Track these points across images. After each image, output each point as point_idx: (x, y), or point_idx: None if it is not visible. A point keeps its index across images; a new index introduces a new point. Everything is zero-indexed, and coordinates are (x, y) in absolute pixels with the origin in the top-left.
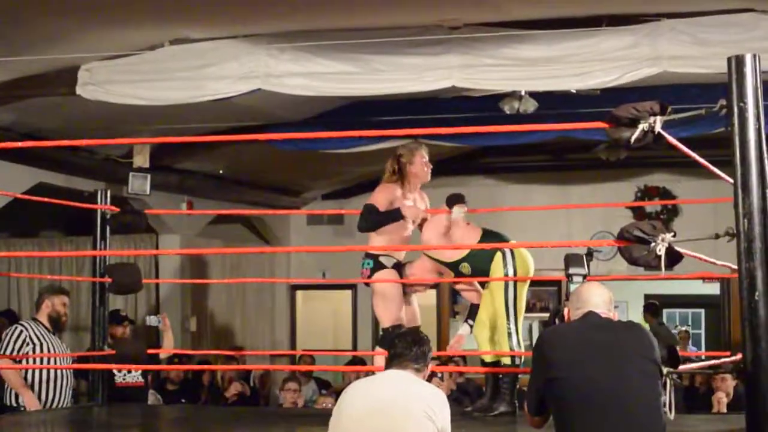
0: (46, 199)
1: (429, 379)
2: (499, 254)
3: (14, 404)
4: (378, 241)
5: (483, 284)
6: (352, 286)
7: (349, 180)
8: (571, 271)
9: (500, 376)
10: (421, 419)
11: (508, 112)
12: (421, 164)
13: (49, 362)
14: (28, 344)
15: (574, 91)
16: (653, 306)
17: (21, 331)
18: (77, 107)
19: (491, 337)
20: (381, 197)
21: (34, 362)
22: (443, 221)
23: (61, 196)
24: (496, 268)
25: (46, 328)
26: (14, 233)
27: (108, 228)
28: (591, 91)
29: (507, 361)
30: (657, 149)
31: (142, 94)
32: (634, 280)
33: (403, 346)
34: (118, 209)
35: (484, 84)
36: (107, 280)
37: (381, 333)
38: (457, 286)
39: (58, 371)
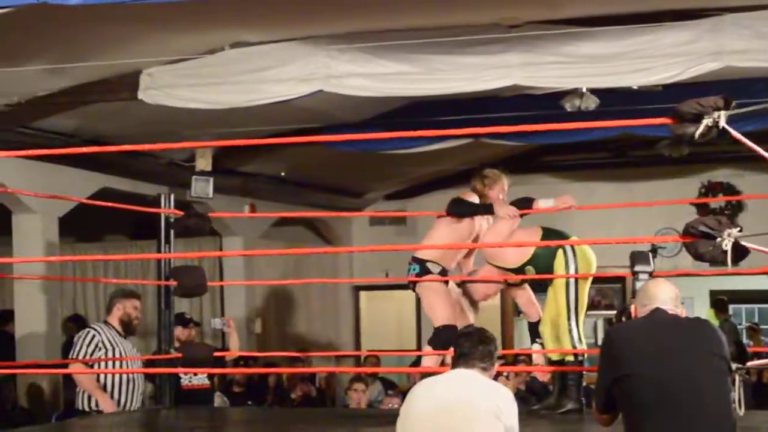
0: (110, 204)
1: (495, 379)
2: (560, 252)
3: (86, 408)
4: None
5: (545, 284)
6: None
7: (411, 180)
8: (637, 268)
9: (566, 374)
10: (488, 418)
11: (569, 110)
12: (498, 193)
13: (121, 366)
14: (100, 348)
15: (636, 88)
16: (721, 302)
17: (93, 335)
18: (139, 112)
19: (555, 336)
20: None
21: (107, 366)
22: (504, 229)
23: (125, 200)
24: (558, 266)
25: (117, 331)
26: (80, 238)
27: (172, 231)
28: (653, 87)
29: (571, 358)
30: (721, 144)
31: (203, 97)
32: (700, 276)
33: (469, 346)
34: (181, 213)
35: (545, 82)
36: (172, 283)
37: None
38: (518, 301)
39: (130, 375)
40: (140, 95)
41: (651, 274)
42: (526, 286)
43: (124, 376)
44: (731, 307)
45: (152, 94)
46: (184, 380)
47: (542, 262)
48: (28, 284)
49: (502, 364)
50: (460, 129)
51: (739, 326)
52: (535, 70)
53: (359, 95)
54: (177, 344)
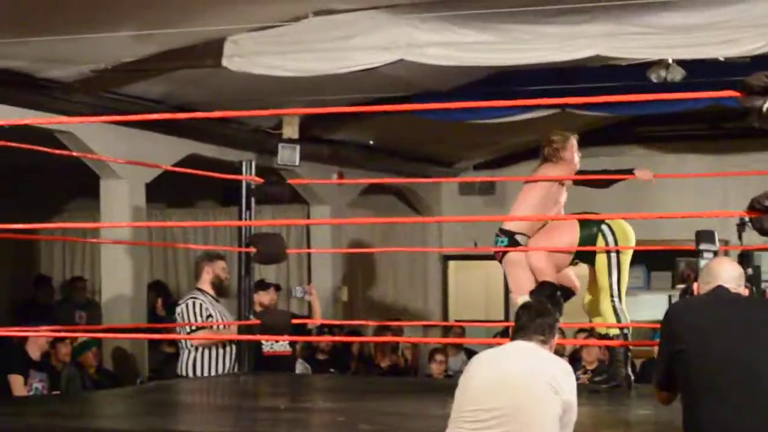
0: (192, 171)
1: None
2: (599, 237)
3: (190, 375)
4: (519, 222)
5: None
6: None
7: (500, 150)
8: (702, 246)
9: (613, 349)
10: (545, 391)
11: (655, 81)
12: (572, 152)
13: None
14: (210, 316)
15: (723, 59)
16: None
17: (200, 304)
18: (225, 79)
19: (600, 311)
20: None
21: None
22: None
23: (212, 167)
24: (600, 260)
25: (212, 296)
26: (171, 204)
27: (252, 198)
28: (740, 58)
29: (616, 332)
30: None
31: (286, 65)
32: None
33: (527, 318)
34: (262, 180)
35: (629, 53)
36: (252, 250)
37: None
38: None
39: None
40: (225, 62)
41: (716, 254)
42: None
43: (225, 341)
44: None
45: (237, 61)
46: (266, 347)
47: (584, 253)
48: (114, 250)
49: (586, 337)
50: (546, 99)
51: None
52: (618, 41)
53: (440, 64)
54: (259, 308)
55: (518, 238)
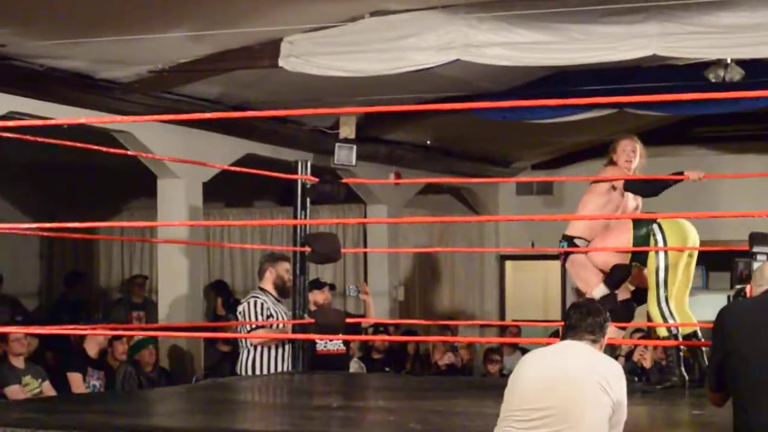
0: (248, 170)
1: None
2: (650, 237)
3: (249, 374)
4: (579, 224)
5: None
6: None
7: (558, 150)
8: (756, 249)
9: (666, 350)
10: (595, 391)
11: (713, 81)
12: (621, 152)
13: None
14: (271, 316)
15: None
16: None
17: (262, 303)
18: (282, 79)
19: (649, 313)
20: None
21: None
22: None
23: (269, 167)
24: (651, 262)
25: (273, 296)
26: (228, 204)
27: (308, 198)
28: None
29: (664, 333)
30: None
31: (342, 65)
32: None
33: (577, 318)
34: (316, 179)
35: (685, 52)
36: (306, 249)
37: None
38: None
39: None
40: (281, 63)
41: None
42: None
43: (284, 341)
44: None
45: (293, 61)
46: (320, 345)
47: (640, 254)
48: (171, 249)
49: (642, 336)
50: (600, 98)
51: None
52: (675, 40)
53: (496, 64)
54: (314, 307)
55: (577, 242)
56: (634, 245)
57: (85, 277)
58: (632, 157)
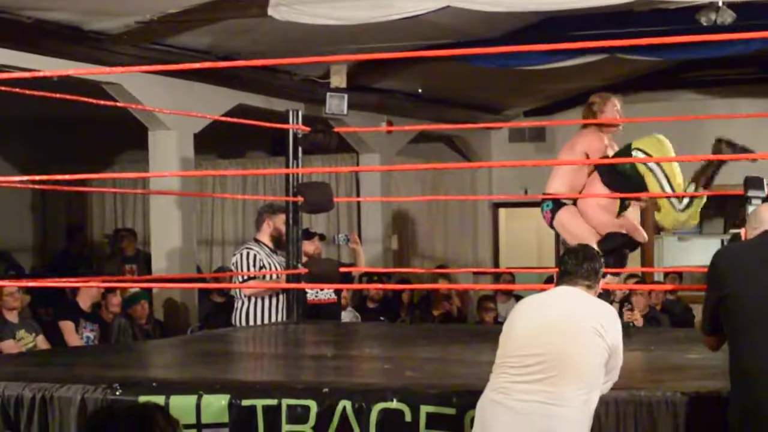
0: (238, 120)
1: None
2: (637, 166)
3: (243, 325)
4: (558, 184)
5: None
6: None
7: (551, 97)
8: (750, 193)
9: None
10: (590, 336)
11: (704, 24)
12: (613, 112)
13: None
14: (263, 267)
15: None
16: None
17: (255, 255)
18: (272, 29)
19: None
20: (595, 146)
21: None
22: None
23: (260, 117)
24: (649, 181)
25: (269, 248)
26: (221, 155)
27: (300, 147)
28: None
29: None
30: None
31: (332, 14)
32: None
33: (573, 263)
34: (308, 129)
35: None
36: (299, 199)
37: None
38: None
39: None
40: (270, 12)
41: (764, 200)
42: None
43: (278, 291)
44: None
45: (282, 10)
46: (310, 295)
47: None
48: (163, 201)
49: (636, 282)
50: (593, 42)
51: None
52: None
53: (487, 10)
54: (304, 259)
55: (563, 200)
56: (621, 176)
57: (83, 230)
58: (617, 117)
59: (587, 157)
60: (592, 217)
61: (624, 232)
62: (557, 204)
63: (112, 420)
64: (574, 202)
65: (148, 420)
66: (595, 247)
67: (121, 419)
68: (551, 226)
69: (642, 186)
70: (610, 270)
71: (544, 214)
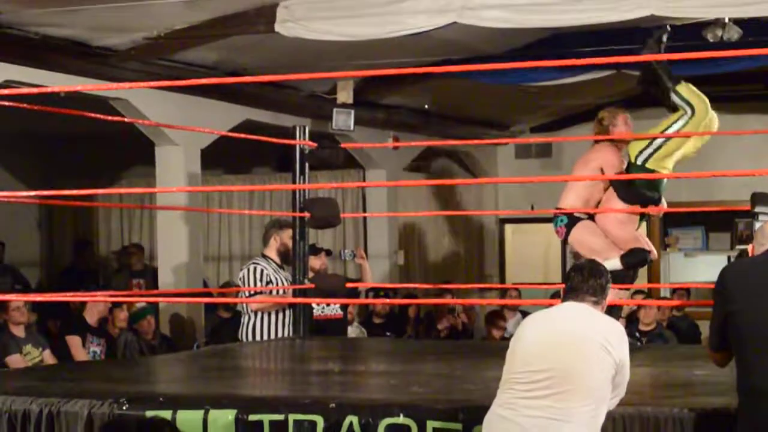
0: (245, 136)
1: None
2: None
3: (249, 340)
4: (571, 199)
5: None
6: None
7: (557, 113)
8: (758, 209)
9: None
10: (597, 352)
11: (711, 41)
12: (625, 125)
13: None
14: (270, 282)
15: None
16: None
17: (262, 270)
18: (280, 45)
19: None
20: (610, 161)
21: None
22: None
23: (267, 133)
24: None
25: (276, 263)
26: (227, 170)
27: (306, 163)
28: None
29: None
30: None
31: (338, 30)
32: None
33: (579, 279)
34: (314, 144)
35: (684, 12)
36: (305, 214)
37: None
38: None
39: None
40: (277, 28)
41: None
42: None
43: (284, 307)
44: None
45: (289, 26)
46: (317, 310)
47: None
48: (170, 216)
49: (644, 298)
50: (598, 58)
51: None
52: (673, 0)
53: (494, 27)
54: (311, 274)
55: (577, 213)
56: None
57: (90, 246)
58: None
59: (602, 172)
60: (612, 233)
61: (646, 247)
62: (572, 219)
63: None
64: (590, 216)
65: None
66: (617, 261)
67: None
68: (565, 241)
69: (655, 201)
70: (627, 286)
71: (558, 229)
